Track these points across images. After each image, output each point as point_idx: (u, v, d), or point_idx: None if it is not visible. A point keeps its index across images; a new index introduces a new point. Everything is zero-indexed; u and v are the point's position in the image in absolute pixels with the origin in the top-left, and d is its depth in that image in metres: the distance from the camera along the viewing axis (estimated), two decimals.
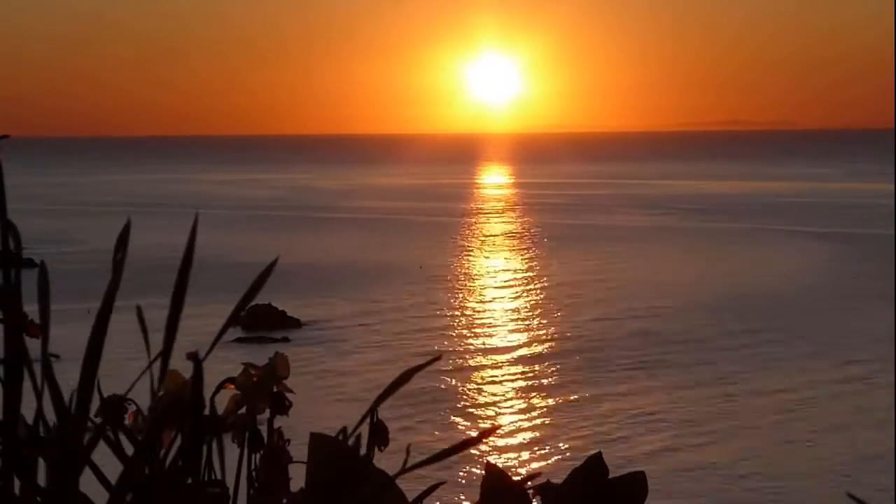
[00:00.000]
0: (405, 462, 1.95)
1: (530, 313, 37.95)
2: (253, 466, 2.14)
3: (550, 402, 26.30)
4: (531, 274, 47.80)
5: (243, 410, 2.15)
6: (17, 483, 1.80)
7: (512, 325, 35.95)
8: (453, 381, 27.85)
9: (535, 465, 21.47)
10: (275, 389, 2.16)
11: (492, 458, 20.55)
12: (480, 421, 24.71)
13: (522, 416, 25.17)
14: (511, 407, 26.12)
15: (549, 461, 21.68)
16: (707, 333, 33.56)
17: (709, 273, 46.64)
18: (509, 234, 65.60)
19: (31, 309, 1.88)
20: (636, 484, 2.36)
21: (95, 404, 1.92)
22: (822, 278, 45.03)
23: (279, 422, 2.16)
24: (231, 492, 2.02)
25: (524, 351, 31.92)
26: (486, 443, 20.99)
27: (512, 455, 22.20)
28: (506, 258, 53.83)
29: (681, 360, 30.18)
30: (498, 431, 23.39)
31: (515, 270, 49.12)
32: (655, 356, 30.49)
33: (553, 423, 24.57)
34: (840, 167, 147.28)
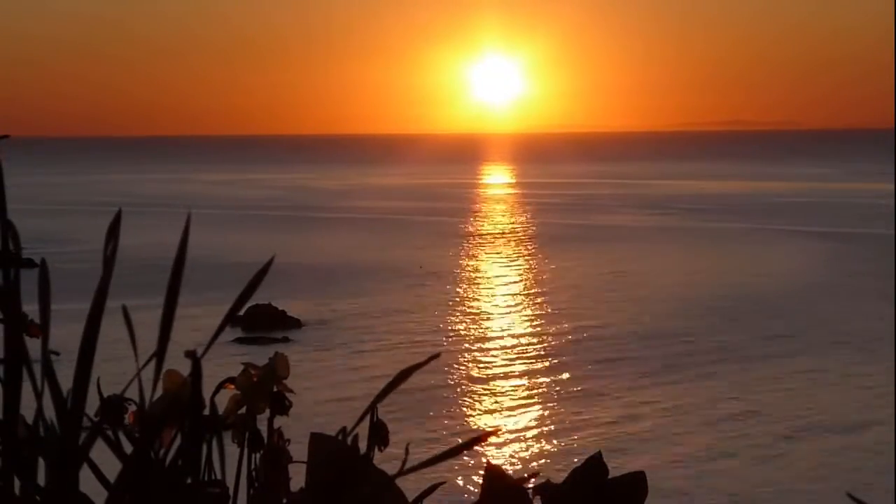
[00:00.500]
0: (404, 462, 1.94)
1: (530, 313, 37.95)
2: (253, 466, 2.14)
3: (550, 401, 26.30)
4: (531, 274, 47.80)
5: (243, 410, 2.15)
6: (17, 483, 1.80)
7: (512, 325, 35.94)
8: (452, 380, 27.85)
9: (534, 464, 21.47)
10: (275, 389, 2.16)
11: (492, 458, 20.58)
12: (480, 419, 24.72)
13: (522, 416, 25.16)
14: (511, 406, 26.11)
15: (549, 461, 21.68)
16: (707, 333, 33.56)
17: (709, 273, 46.64)
18: (510, 234, 65.57)
19: (31, 309, 1.88)
20: (636, 484, 2.36)
21: (96, 405, 1.92)
22: (823, 277, 45.02)
23: (279, 422, 2.16)
24: (231, 492, 2.02)
25: (524, 350, 31.91)
26: (486, 443, 20.97)
27: (512, 455, 22.20)
28: (506, 258, 53.81)
29: (681, 359, 30.17)
30: (498, 432, 23.41)
31: (515, 270, 49.12)
32: (655, 356, 30.49)
33: (553, 422, 24.56)
34: (840, 167, 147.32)
